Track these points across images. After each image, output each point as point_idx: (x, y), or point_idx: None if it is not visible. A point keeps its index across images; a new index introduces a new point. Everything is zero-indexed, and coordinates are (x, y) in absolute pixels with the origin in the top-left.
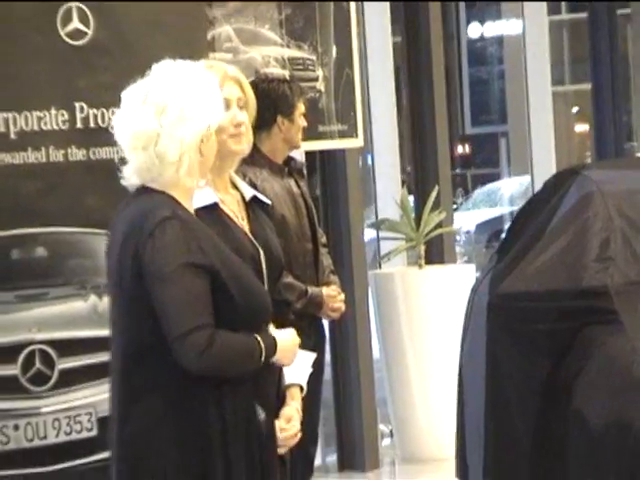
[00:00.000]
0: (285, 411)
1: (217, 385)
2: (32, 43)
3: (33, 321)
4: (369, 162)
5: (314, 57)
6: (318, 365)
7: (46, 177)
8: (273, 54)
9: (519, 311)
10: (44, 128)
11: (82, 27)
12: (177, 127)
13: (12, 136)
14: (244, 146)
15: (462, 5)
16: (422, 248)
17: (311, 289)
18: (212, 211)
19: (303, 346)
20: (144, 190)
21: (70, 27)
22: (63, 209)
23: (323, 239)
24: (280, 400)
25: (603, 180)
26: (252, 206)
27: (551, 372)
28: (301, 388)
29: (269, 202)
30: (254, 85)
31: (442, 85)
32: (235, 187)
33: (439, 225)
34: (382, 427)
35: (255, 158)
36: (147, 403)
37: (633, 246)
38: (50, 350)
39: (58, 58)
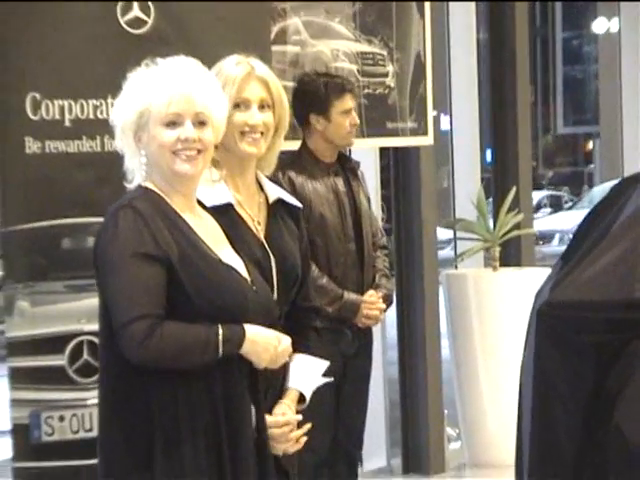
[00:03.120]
0: (279, 408)
1: (168, 378)
2: (91, 30)
3: (82, 312)
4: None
5: (385, 52)
6: (364, 370)
7: (100, 167)
8: (342, 48)
9: (567, 321)
10: (100, 117)
11: (142, 16)
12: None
13: (67, 124)
14: (260, 149)
15: (558, 4)
16: (497, 250)
17: (347, 294)
18: (225, 211)
19: (344, 352)
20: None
21: (130, 15)
22: (116, 199)
23: (382, 241)
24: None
25: None
26: (276, 209)
27: (597, 385)
28: (302, 396)
29: (300, 205)
30: (297, 81)
31: (526, 82)
32: (262, 188)
33: (517, 227)
34: (449, 430)
35: (301, 155)
36: (102, 394)
37: None
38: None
39: (117, 46)
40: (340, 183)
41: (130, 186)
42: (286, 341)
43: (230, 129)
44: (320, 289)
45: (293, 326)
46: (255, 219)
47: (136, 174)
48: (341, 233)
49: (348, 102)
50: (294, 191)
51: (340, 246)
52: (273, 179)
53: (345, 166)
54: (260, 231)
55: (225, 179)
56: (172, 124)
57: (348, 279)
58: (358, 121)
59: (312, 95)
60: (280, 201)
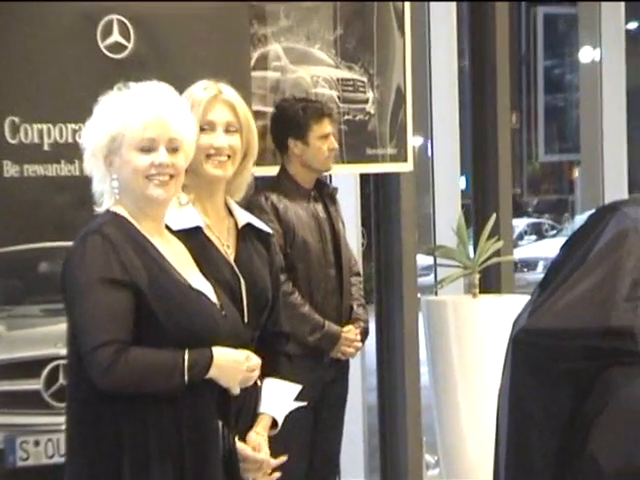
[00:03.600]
0: (252, 439)
1: (137, 403)
2: (71, 55)
3: (58, 336)
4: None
5: (365, 79)
6: (341, 395)
7: (78, 190)
8: (322, 74)
9: (543, 348)
10: (78, 141)
11: (122, 41)
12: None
13: (46, 148)
14: (227, 171)
15: (540, 30)
16: (476, 277)
17: (328, 324)
18: (194, 234)
19: (321, 378)
20: None
21: (110, 40)
22: None
23: (356, 268)
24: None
25: None
26: (245, 234)
27: (572, 412)
28: (275, 421)
29: (269, 231)
30: (276, 107)
31: (506, 109)
32: (231, 213)
33: (497, 254)
34: (428, 457)
35: (281, 180)
36: (70, 419)
37: None
38: None
39: (96, 71)
40: (320, 209)
41: (99, 209)
42: (256, 359)
43: (196, 152)
44: (302, 317)
45: (264, 351)
46: (225, 242)
47: (105, 197)
48: (322, 259)
49: (326, 126)
50: (277, 216)
51: (321, 271)
52: (254, 202)
53: (323, 192)
54: (230, 254)
55: (194, 203)
56: (146, 149)
57: (328, 305)
58: (336, 146)
59: (290, 120)
60: (250, 226)
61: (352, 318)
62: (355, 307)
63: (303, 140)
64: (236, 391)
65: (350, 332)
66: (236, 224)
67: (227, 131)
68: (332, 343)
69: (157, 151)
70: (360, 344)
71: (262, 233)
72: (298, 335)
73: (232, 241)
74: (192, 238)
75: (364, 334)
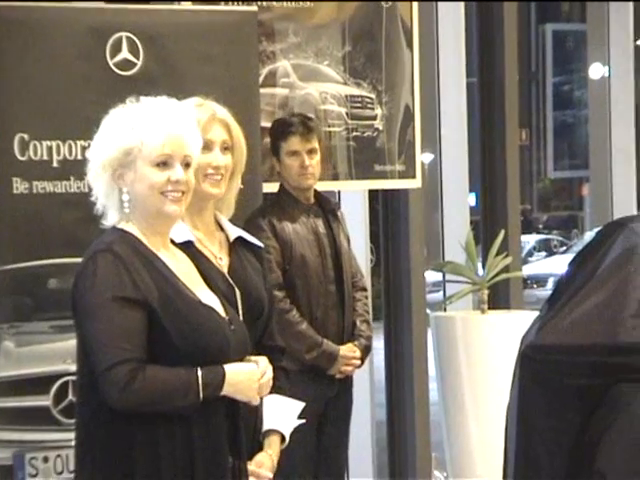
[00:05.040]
0: (258, 456)
1: (148, 421)
2: (80, 72)
3: (67, 352)
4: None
5: (373, 95)
6: (345, 409)
7: (87, 207)
8: (330, 91)
9: (551, 364)
10: (88, 157)
11: (131, 58)
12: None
13: (55, 164)
14: (222, 190)
15: (549, 47)
16: (485, 293)
17: (326, 343)
18: (185, 249)
19: (324, 393)
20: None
21: (119, 57)
22: None
23: (361, 282)
24: (257, 444)
25: None
26: (237, 247)
27: (580, 428)
28: (282, 437)
29: (261, 245)
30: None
31: (515, 125)
32: (221, 227)
33: (506, 270)
34: (437, 473)
35: (280, 196)
36: (80, 437)
37: None
38: None
39: (106, 88)
40: (320, 224)
41: (106, 223)
42: (269, 373)
43: (194, 170)
44: (299, 335)
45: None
46: (217, 255)
47: (110, 211)
48: (321, 274)
49: (295, 144)
50: (274, 233)
51: (321, 287)
52: (252, 222)
53: (325, 207)
54: (223, 266)
55: (183, 219)
56: (162, 165)
57: (329, 320)
58: (309, 163)
59: (270, 137)
60: (242, 240)
61: (354, 335)
62: (358, 323)
63: (277, 157)
64: (256, 402)
65: (348, 350)
66: (227, 238)
67: (222, 149)
68: (330, 362)
69: (173, 167)
70: (359, 362)
71: (255, 247)
72: (295, 353)
73: (225, 254)
74: (184, 252)
75: (365, 351)
